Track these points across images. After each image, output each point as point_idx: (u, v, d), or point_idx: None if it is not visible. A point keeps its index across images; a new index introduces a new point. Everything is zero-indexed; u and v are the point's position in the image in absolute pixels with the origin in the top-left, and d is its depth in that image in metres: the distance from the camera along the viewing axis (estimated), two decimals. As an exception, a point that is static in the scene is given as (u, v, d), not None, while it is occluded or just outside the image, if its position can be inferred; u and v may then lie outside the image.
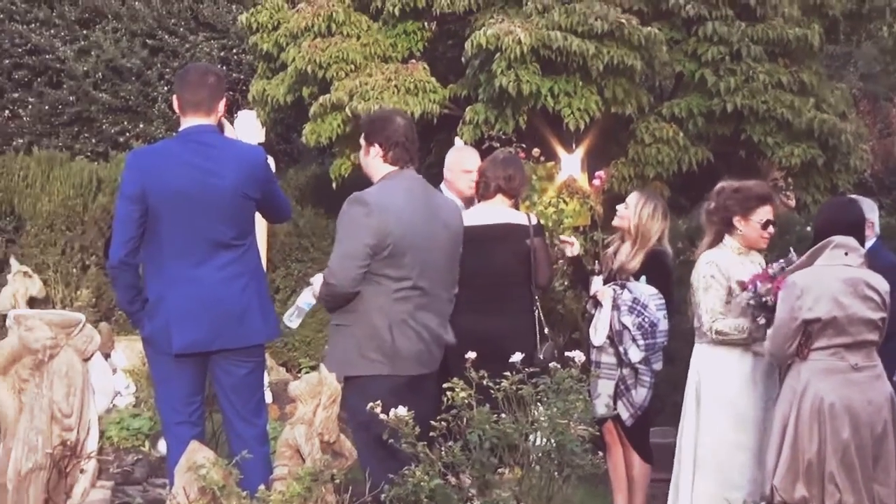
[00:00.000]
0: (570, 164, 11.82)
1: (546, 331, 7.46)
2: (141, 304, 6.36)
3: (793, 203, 12.52)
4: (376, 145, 6.61)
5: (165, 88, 19.70)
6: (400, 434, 5.35)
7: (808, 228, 9.21)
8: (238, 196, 6.30)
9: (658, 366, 7.76)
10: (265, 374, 6.99)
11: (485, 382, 5.56)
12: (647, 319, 7.56)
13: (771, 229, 7.16)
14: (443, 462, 5.32)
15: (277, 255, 14.64)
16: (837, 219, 6.69)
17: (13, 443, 5.47)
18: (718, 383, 7.02)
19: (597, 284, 7.92)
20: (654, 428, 8.35)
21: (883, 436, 6.39)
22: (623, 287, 7.72)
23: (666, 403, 8.95)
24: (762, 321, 6.69)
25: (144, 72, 19.89)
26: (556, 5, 11.43)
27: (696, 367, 7.16)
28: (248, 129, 12.85)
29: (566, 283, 9.19)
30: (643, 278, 7.74)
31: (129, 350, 10.86)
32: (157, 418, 9.14)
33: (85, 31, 20.37)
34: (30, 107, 20.31)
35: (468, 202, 7.88)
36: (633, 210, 7.93)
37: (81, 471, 5.63)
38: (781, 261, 6.74)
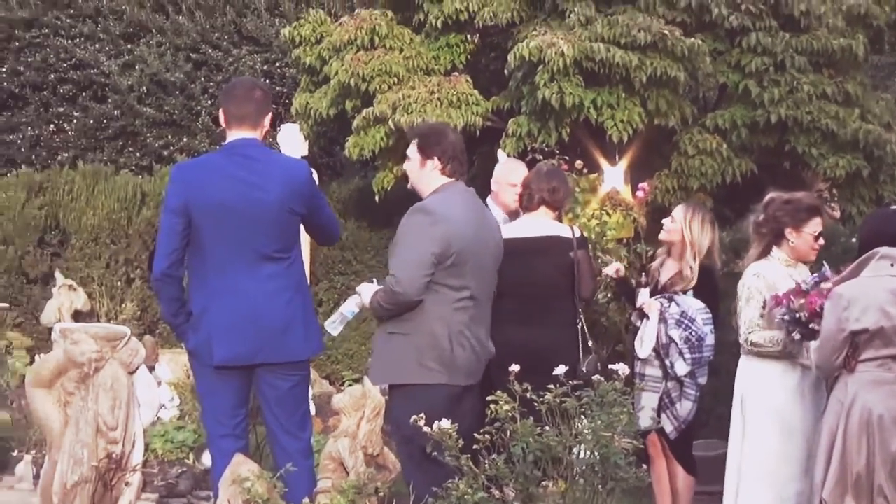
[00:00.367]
0: (614, 176, 11.79)
1: (590, 343, 7.43)
2: (185, 317, 6.38)
3: (837, 214, 12.44)
4: (434, 158, 6.65)
5: (209, 102, 19.78)
6: (444, 447, 5.34)
7: (853, 240, 9.14)
8: (282, 210, 6.31)
9: (703, 380, 7.71)
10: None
11: (528, 395, 5.54)
12: (694, 333, 7.52)
13: (822, 241, 7.12)
14: (486, 475, 5.31)
15: (321, 268, 14.68)
16: (883, 230, 6.62)
17: (59, 456, 5.49)
18: (764, 396, 6.97)
19: (643, 297, 7.88)
20: (697, 441, 8.30)
21: (932, 447, 6.32)
22: (671, 300, 7.68)
23: (710, 416, 8.90)
24: (797, 336, 6.64)
25: (188, 86, 19.98)
26: (599, 17, 11.43)
27: (741, 379, 7.12)
28: (292, 142, 12.91)
29: (609, 295, 9.15)
30: (690, 292, 7.71)
31: (174, 363, 10.91)
32: (201, 431, 9.18)
33: (129, 46, 20.48)
34: (75, 121, 20.44)
35: (514, 215, 7.88)
36: (684, 223, 7.88)
37: (127, 483, 5.64)
38: (815, 276, 6.69)
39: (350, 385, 9.88)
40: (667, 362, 7.60)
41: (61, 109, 20.66)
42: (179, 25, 20.23)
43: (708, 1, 11.72)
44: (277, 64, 19.72)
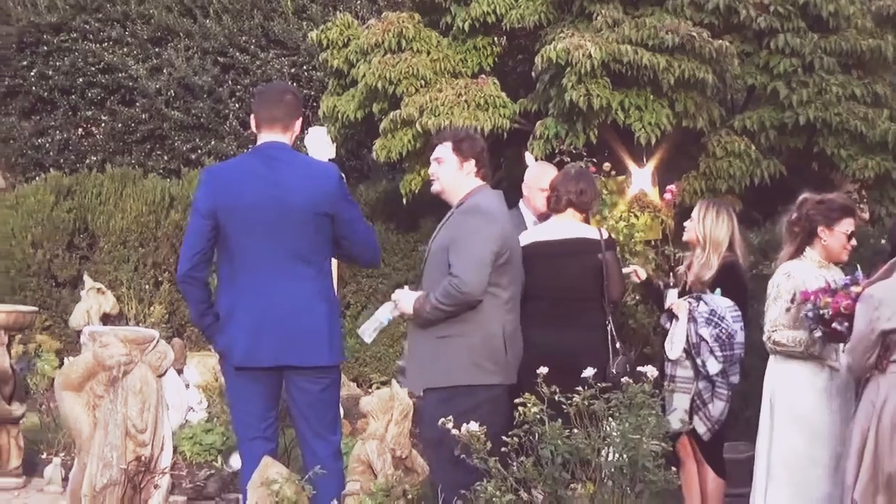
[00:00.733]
0: (641, 177, 11.77)
1: (618, 345, 7.41)
2: (213, 319, 6.39)
3: (867, 216, 12.38)
4: (472, 161, 6.73)
5: (237, 105, 19.83)
6: (472, 449, 5.34)
7: (883, 241, 9.10)
8: (310, 213, 6.31)
9: (735, 378, 7.67)
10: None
11: (556, 397, 5.54)
12: (724, 331, 7.49)
13: (854, 241, 7.10)
14: (515, 477, 5.30)
15: (348, 270, 14.68)
16: (913, 231, 6.61)
17: (88, 459, 5.51)
18: (792, 397, 6.95)
19: (671, 297, 7.86)
20: (726, 443, 8.27)
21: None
22: (699, 299, 7.65)
23: (738, 419, 8.87)
24: (818, 334, 6.61)
25: (216, 89, 20.03)
26: (627, 19, 11.42)
27: (770, 380, 7.09)
28: (319, 145, 12.90)
29: (637, 297, 9.14)
30: (718, 290, 7.68)
31: (202, 365, 10.94)
32: (229, 433, 9.20)
33: (157, 50, 20.55)
34: (103, 125, 20.52)
35: (544, 218, 7.87)
36: (697, 218, 7.89)
37: (155, 486, 5.65)
38: (847, 278, 6.66)
39: (378, 388, 9.88)
40: (698, 361, 7.56)
41: (89, 113, 20.75)
42: (207, 29, 20.28)
43: (736, 2, 11.69)
44: (305, 67, 19.76)
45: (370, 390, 10.88)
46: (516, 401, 5.62)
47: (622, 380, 5.86)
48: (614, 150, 11.80)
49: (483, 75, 12.53)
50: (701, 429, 7.61)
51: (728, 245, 7.82)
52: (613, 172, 10.32)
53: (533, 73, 11.74)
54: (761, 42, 11.98)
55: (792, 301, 6.86)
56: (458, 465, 5.78)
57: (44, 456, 9.77)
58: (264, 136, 6.51)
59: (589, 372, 5.69)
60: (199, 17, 20.53)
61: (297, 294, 6.31)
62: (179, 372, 10.16)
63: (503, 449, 5.43)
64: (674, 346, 7.68)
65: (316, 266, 6.39)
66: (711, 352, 7.51)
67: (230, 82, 20.25)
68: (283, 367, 6.34)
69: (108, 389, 5.54)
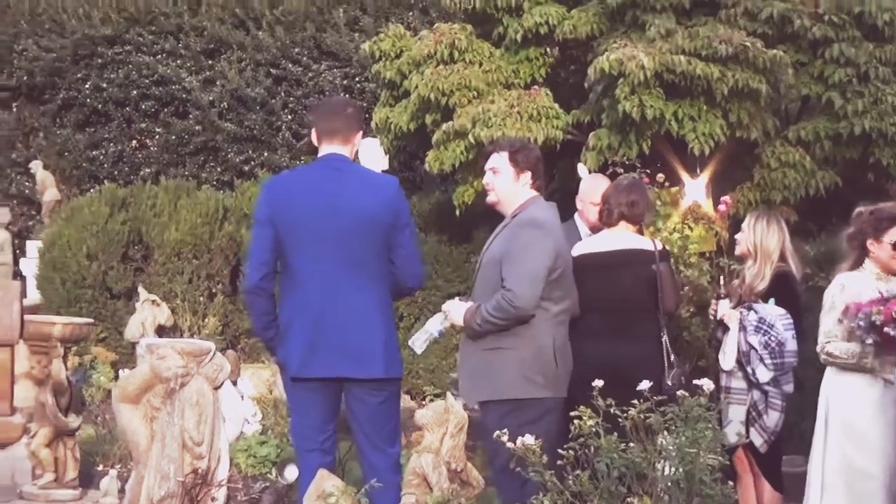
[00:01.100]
0: (695, 189, 11.71)
1: (672, 358, 7.37)
2: (276, 331, 6.43)
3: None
4: (528, 172, 6.72)
5: (289, 117, 19.92)
6: (528, 462, 5.32)
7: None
8: (368, 223, 6.32)
9: (789, 388, 7.61)
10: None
11: (612, 410, 5.51)
12: (773, 339, 7.44)
13: None
14: (571, 491, 5.28)
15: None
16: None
17: (146, 471, 5.53)
18: (845, 409, 6.89)
19: (723, 308, 7.81)
20: (784, 457, 8.21)
21: None
22: (749, 308, 7.61)
23: (794, 432, 8.80)
24: (869, 341, 6.57)
25: (268, 101, 20.13)
26: (680, 29, 11.37)
27: (825, 392, 7.05)
28: (372, 156, 12.94)
29: (692, 309, 9.08)
30: (772, 300, 7.63)
31: (256, 378, 10.97)
32: (283, 446, 9.21)
33: (210, 62, 20.69)
34: (157, 137, 20.68)
35: (597, 231, 7.85)
36: (748, 229, 7.85)
37: (213, 499, 5.68)
38: None
39: (432, 400, 9.86)
40: (748, 370, 7.53)
41: (143, 125, 20.91)
42: (260, 41, 20.38)
43: (790, 12, 11.63)
44: (357, 79, 19.83)
45: (423, 403, 10.87)
46: (572, 413, 5.59)
47: (678, 393, 5.82)
48: (667, 161, 11.74)
49: (535, 86, 12.50)
50: (758, 441, 7.56)
51: (780, 255, 7.78)
52: (667, 183, 10.26)
53: (586, 84, 11.72)
54: (816, 52, 11.91)
55: (844, 313, 6.82)
56: (518, 479, 5.77)
57: (100, 468, 9.81)
58: (324, 149, 6.55)
59: (645, 384, 5.66)
60: (252, 29, 20.66)
61: (354, 305, 6.32)
62: (233, 384, 10.18)
63: (558, 462, 5.41)
64: (727, 356, 7.65)
65: (374, 278, 6.40)
66: (761, 360, 7.46)
67: (283, 94, 20.35)
68: (342, 379, 6.35)
69: (165, 402, 5.57)
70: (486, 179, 6.96)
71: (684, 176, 11.80)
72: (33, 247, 18.10)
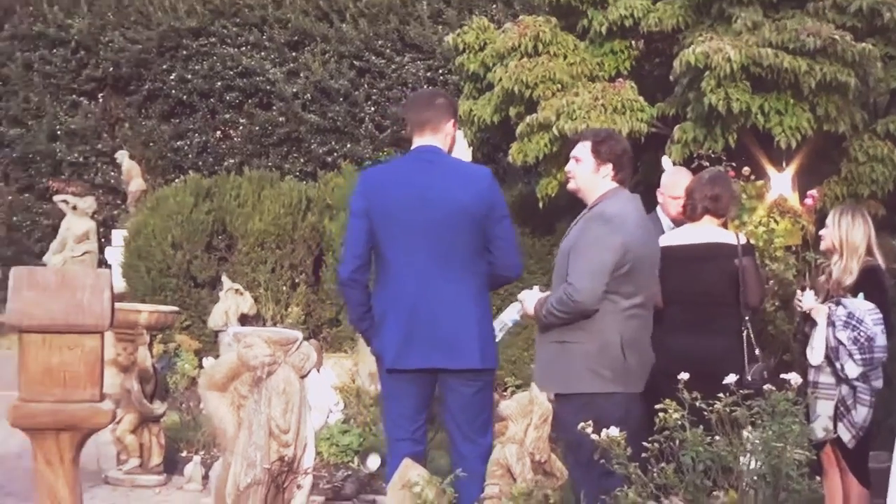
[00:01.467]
0: (780, 182, 11.62)
1: (757, 352, 7.32)
2: (371, 322, 6.45)
3: None
4: (609, 164, 6.62)
5: (372, 109, 20.00)
6: (612, 454, 5.30)
7: None
8: (461, 214, 6.31)
9: (878, 383, 7.54)
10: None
11: (697, 404, 5.48)
12: (862, 334, 7.37)
13: None
14: (655, 484, 5.26)
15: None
16: None
17: (232, 458, 5.57)
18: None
19: (808, 299, 7.74)
20: (871, 452, 8.14)
21: None
22: (838, 303, 7.55)
23: (881, 428, 8.72)
24: None
25: (352, 93, 20.23)
26: (767, 22, 11.28)
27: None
28: (456, 149, 12.93)
29: (777, 303, 9.02)
30: (861, 295, 7.56)
31: (338, 367, 11.05)
32: (366, 435, 9.27)
33: (294, 54, 20.82)
34: (241, 128, 20.84)
35: (678, 225, 7.82)
36: (833, 224, 7.78)
37: (298, 486, 5.70)
38: None
39: (513, 391, 9.85)
40: (837, 365, 7.46)
41: (227, 116, 21.11)
42: (343, 33, 20.48)
43: (879, 5, 11.48)
44: (440, 71, 19.88)
45: (505, 394, 10.86)
46: (657, 406, 5.57)
47: (765, 387, 5.79)
48: (753, 155, 11.65)
49: (620, 79, 12.46)
50: (846, 436, 7.50)
51: (867, 250, 7.71)
52: (753, 177, 10.19)
53: (671, 77, 11.65)
54: (905, 45, 11.79)
55: None
56: (594, 470, 5.76)
57: (183, 454, 9.93)
58: (417, 141, 6.57)
59: (731, 378, 5.63)
60: (336, 22, 20.76)
61: (448, 297, 6.32)
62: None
63: (643, 455, 5.39)
64: (814, 351, 7.57)
65: (468, 269, 6.38)
66: (850, 355, 7.39)
67: (366, 86, 20.45)
68: (436, 370, 6.37)
69: (252, 390, 5.60)
70: (568, 167, 6.92)
71: (770, 169, 11.71)
72: (119, 236, 18.32)
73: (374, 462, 8.97)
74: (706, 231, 7.40)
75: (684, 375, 5.63)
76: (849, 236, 7.69)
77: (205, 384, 5.77)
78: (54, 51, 22.26)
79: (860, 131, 11.69)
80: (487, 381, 6.57)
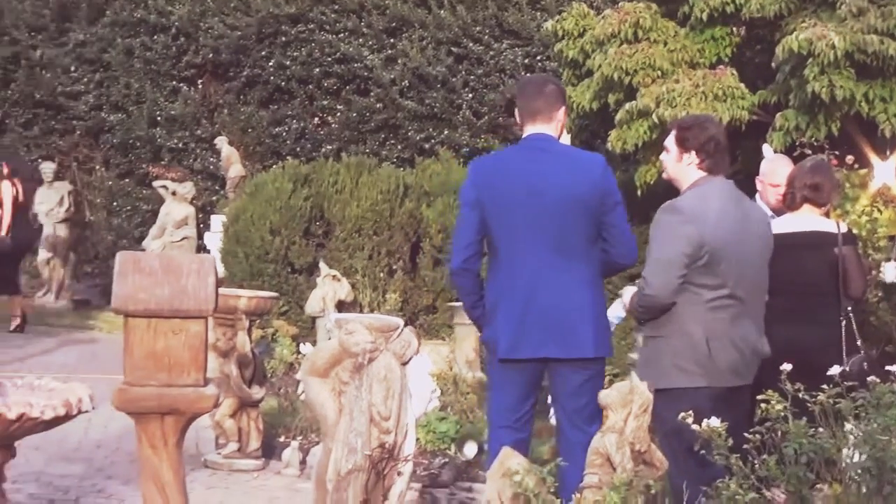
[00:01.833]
0: (884, 171, 11.45)
1: (858, 343, 7.23)
2: (483, 310, 6.48)
3: None
4: (692, 152, 6.52)
5: (470, 96, 20.00)
6: (713, 445, 5.26)
7: None
8: (574, 202, 6.30)
9: None
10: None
11: (800, 395, 5.42)
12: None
13: None
14: (756, 475, 5.21)
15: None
16: None
17: (333, 444, 5.59)
18: None
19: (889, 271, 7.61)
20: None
21: None
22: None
23: None
24: None
25: (449, 79, 20.24)
26: (872, 8, 11.10)
27: None
28: (557, 135, 12.91)
29: (879, 293, 8.90)
30: (966, 284, 7.45)
31: (435, 354, 11.06)
32: (463, 422, 9.29)
33: (392, 40, 20.88)
34: (338, 114, 20.92)
35: (779, 213, 7.74)
36: None
37: (399, 473, 5.72)
38: None
39: (610, 380, 9.83)
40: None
41: (325, 103, 21.21)
42: (441, 20, 20.50)
43: None
44: (538, 57, 19.84)
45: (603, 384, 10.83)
46: (759, 397, 5.51)
47: (868, 379, 5.70)
48: (856, 143, 11.49)
49: (721, 66, 12.33)
50: (952, 429, 7.39)
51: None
52: (856, 165, 10.05)
53: (773, 64, 11.51)
54: None
55: None
56: (689, 461, 5.73)
57: (281, 439, 9.99)
58: (528, 129, 6.56)
59: (836, 370, 5.56)
60: (434, 8, 20.78)
61: (560, 286, 6.32)
62: (413, 360, 10.27)
63: (744, 446, 5.34)
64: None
65: (581, 257, 6.39)
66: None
67: (464, 72, 20.46)
68: (548, 359, 6.38)
69: (353, 376, 5.62)
70: (662, 156, 6.88)
71: (874, 158, 11.55)
72: (217, 221, 18.50)
73: (470, 450, 8.99)
74: (805, 220, 7.33)
75: (787, 366, 5.57)
76: None
77: (306, 370, 5.80)
78: (155, 37, 22.49)
79: (969, 119, 11.49)
80: (599, 370, 6.59)
